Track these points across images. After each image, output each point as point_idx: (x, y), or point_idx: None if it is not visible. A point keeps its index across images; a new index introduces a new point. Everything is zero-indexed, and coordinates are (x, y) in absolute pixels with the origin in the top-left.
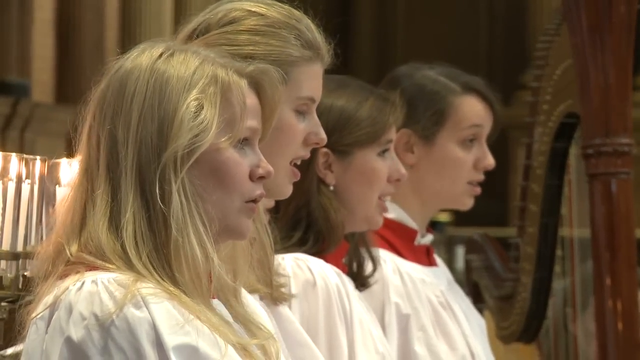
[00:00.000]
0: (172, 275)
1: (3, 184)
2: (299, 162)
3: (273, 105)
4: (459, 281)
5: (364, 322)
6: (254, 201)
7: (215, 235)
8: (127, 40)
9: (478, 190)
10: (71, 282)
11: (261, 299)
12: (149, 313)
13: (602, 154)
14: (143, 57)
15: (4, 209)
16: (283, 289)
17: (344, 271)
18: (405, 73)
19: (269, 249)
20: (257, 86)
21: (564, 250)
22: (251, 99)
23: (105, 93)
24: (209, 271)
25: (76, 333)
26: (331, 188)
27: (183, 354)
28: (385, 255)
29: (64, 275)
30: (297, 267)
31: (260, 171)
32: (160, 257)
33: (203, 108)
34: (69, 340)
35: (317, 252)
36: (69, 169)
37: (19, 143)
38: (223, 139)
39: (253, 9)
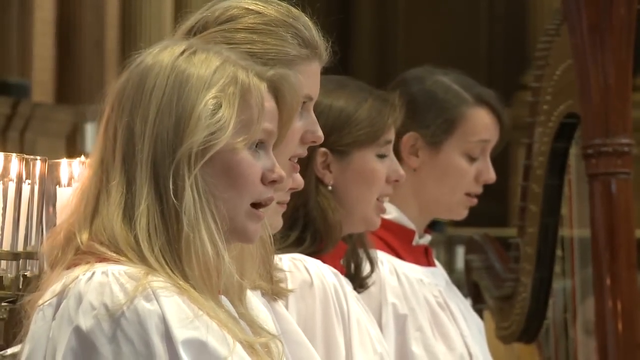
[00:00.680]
0: (182, 270)
1: (3, 184)
2: (296, 160)
3: (291, 111)
4: (459, 281)
5: (362, 322)
6: (262, 205)
7: (226, 234)
8: (127, 40)
9: (474, 201)
10: (81, 272)
11: (262, 295)
12: (159, 306)
13: (602, 154)
14: (165, 53)
15: (4, 209)
16: (282, 284)
17: (341, 272)
18: (418, 76)
19: (268, 245)
20: (276, 91)
21: (564, 251)
22: (269, 103)
23: (125, 86)
24: (218, 268)
25: (85, 322)
26: (329, 188)
27: (192, 348)
28: (382, 256)
29: (73, 265)
30: (294, 267)
31: (274, 175)
32: (172, 251)
33: (221, 107)
34: (77, 330)
35: (314, 252)
36: (69, 169)
37: (19, 143)
38: (239, 140)
39: (251, 7)
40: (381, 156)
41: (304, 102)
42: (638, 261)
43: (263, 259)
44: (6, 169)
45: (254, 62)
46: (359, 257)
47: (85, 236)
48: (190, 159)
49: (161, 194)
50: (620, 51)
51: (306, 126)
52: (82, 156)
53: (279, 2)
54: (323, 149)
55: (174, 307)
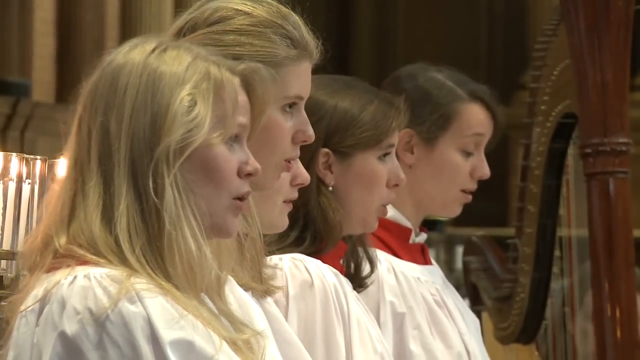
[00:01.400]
0: (164, 269)
1: (4, 183)
2: (291, 162)
3: (262, 104)
4: (458, 281)
5: (362, 322)
6: (241, 199)
7: (206, 230)
8: (127, 40)
9: (469, 198)
10: (62, 276)
11: (253, 295)
12: (144, 308)
13: (600, 153)
14: (135, 51)
15: (4, 208)
16: (271, 281)
17: (341, 272)
18: (412, 73)
19: (259, 244)
20: (247, 85)
21: (562, 251)
22: (242, 97)
23: (97, 86)
24: (201, 265)
25: (70, 327)
26: (330, 188)
27: (179, 349)
28: (379, 255)
29: (52, 268)
30: (294, 267)
31: (249, 168)
32: (154, 250)
33: (196, 104)
34: (62, 335)
35: (314, 252)
36: None
37: (19, 143)
38: (214, 135)
39: (239, 8)
40: (383, 159)
41: (294, 102)
42: (636, 260)
43: (253, 260)
44: (6, 168)
45: (223, 57)
46: (359, 256)
47: (63, 240)
48: (169, 157)
49: (140, 193)
50: (617, 51)
51: (297, 126)
52: None
53: (269, 1)
54: (325, 150)
55: (158, 308)
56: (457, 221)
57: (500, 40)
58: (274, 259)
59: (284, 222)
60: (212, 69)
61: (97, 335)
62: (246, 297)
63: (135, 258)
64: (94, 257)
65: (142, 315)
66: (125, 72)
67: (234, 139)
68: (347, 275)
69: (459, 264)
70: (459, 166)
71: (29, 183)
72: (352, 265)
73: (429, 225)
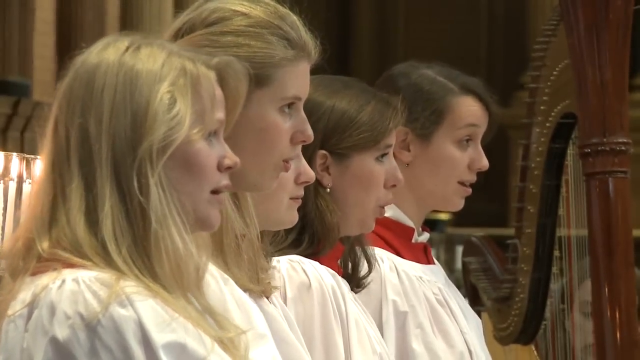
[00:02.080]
0: (152, 269)
1: (4, 183)
2: (289, 162)
3: (237, 97)
4: (459, 281)
5: (360, 323)
6: (219, 192)
7: (190, 226)
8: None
9: (469, 190)
10: (50, 280)
11: (250, 296)
12: (135, 311)
13: (599, 153)
14: (109, 50)
15: (5, 208)
16: (268, 281)
17: (339, 273)
18: (403, 72)
19: (256, 245)
20: (221, 79)
21: (562, 251)
22: (218, 91)
23: (72, 86)
24: (188, 262)
25: (61, 333)
26: (327, 190)
27: (172, 352)
28: (382, 254)
29: (38, 272)
30: (291, 269)
31: (228, 162)
32: (140, 250)
33: (176, 101)
34: (54, 340)
35: (312, 254)
36: None
37: (19, 143)
38: (194, 131)
39: (237, 8)
40: (381, 160)
41: (292, 103)
42: (635, 260)
43: (251, 261)
44: (7, 168)
45: (196, 51)
46: (356, 256)
47: (45, 244)
48: (152, 156)
49: (124, 194)
50: (617, 50)
51: (296, 126)
52: None
53: (266, 1)
54: (323, 151)
55: (149, 311)
56: (457, 221)
57: (500, 40)
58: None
59: (293, 218)
60: (188, 64)
61: (89, 340)
62: (245, 298)
63: (122, 259)
64: (80, 259)
65: (134, 319)
66: (101, 71)
67: (213, 134)
68: (345, 275)
69: (458, 264)
70: (456, 159)
71: (29, 183)
72: (350, 265)
73: (428, 225)
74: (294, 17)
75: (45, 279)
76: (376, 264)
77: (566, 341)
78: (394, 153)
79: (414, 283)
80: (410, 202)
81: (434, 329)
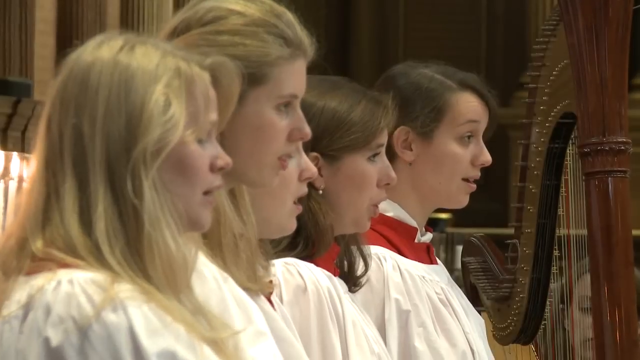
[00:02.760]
0: (145, 271)
1: (5, 183)
2: (286, 159)
3: (229, 96)
4: (459, 281)
5: (357, 324)
6: (210, 192)
7: (183, 227)
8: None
9: (473, 187)
10: (45, 281)
11: (248, 294)
12: (128, 318)
13: (599, 152)
14: (103, 49)
15: (5, 208)
16: (266, 280)
17: (335, 274)
18: (401, 72)
19: (254, 244)
20: (213, 78)
21: (562, 251)
22: (211, 92)
23: (66, 85)
24: (180, 264)
25: (54, 336)
26: (320, 192)
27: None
28: (385, 253)
29: (32, 272)
30: (287, 272)
31: (220, 162)
32: (133, 252)
33: (171, 103)
34: (47, 343)
35: (307, 257)
36: None
37: (20, 142)
38: (188, 133)
39: (233, 7)
40: (373, 160)
41: (288, 101)
42: (635, 259)
43: (249, 260)
44: (7, 168)
45: (189, 51)
46: (352, 255)
47: (39, 243)
48: (146, 158)
49: (118, 195)
50: (616, 50)
51: (293, 124)
52: None
53: None
54: (314, 154)
55: (142, 318)
56: (457, 221)
57: (500, 40)
58: None
59: (292, 225)
60: (182, 64)
61: (80, 344)
62: (244, 297)
63: (116, 261)
64: (75, 259)
65: (125, 325)
66: (95, 70)
67: (206, 135)
68: (342, 275)
69: (458, 264)
70: (458, 155)
71: None
72: (346, 264)
73: (428, 224)
74: (289, 15)
75: (40, 280)
76: (378, 262)
77: (566, 340)
78: (396, 153)
79: (416, 282)
80: (414, 202)
81: (437, 328)
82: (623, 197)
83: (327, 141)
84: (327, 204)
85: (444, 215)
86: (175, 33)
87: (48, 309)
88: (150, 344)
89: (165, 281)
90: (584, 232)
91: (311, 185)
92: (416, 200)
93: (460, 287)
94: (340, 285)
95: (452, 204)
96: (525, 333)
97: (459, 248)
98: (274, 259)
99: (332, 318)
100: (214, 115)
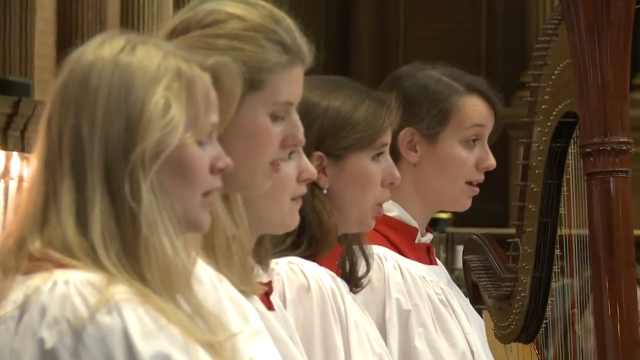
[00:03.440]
0: (140, 273)
1: (5, 182)
2: (279, 163)
3: (231, 97)
4: (459, 280)
5: (360, 324)
6: (210, 193)
7: (180, 230)
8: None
9: (476, 190)
10: (41, 282)
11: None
12: (122, 320)
13: (600, 152)
14: (104, 49)
15: (5, 207)
16: (256, 281)
17: (337, 274)
18: (408, 73)
19: (245, 245)
20: (215, 79)
21: (564, 250)
22: (212, 93)
23: (67, 84)
24: (177, 267)
25: (49, 337)
26: (324, 191)
27: None
28: (385, 253)
29: (30, 272)
30: (290, 271)
31: (220, 164)
32: (129, 255)
33: (171, 106)
34: (41, 344)
35: (311, 256)
36: None
37: (20, 142)
38: (188, 135)
39: (232, 11)
40: (377, 159)
41: (284, 109)
42: (636, 259)
43: (242, 262)
44: (7, 167)
45: (191, 51)
46: (354, 255)
47: (37, 243)
48: (145, 162)
49: (115, 198)
50: (618, 50)
51: (287, 130)
52: None
53: (263, 3)
54: (318, 153)
55: (136, 320)
56: (458, 220)
57: (500, 40)
58: (270, 263)
59: (295, 221)
60: (183, 65)
61: (73, 345)
62: (239, 297)
63: (112, 263)
64: (72, 260)
65: (120, 328)
66: (96, 71)
67: (206, 136)
68: (344, 275)
69: (459, 264)
70: (463, 159)
71: None
72: (348, 264)
73: (429, 224)
74: (289, 21)
75: (37, 280)
76: (379, 262)
77: (567, 340)
78: (401, 154)
79: (417, 282)
80: (416, 203)
81: (437, 328)
82: (625, 197)
83: (331, 140)
84: (331, 203)
85: (444, 215)
86: (174, 34)
87: (43, 310)
88: (144, 347)
89: (161, 284)
90: (586, 231)
91: (315, 185)
92: (418, 201)
93: (460, 286)
94: (343, 285)
95: (454, 207)
96: (526, 332)
97: (460, 248)
98: (276, 258)
99: (334, 317)
100: (214, 117)
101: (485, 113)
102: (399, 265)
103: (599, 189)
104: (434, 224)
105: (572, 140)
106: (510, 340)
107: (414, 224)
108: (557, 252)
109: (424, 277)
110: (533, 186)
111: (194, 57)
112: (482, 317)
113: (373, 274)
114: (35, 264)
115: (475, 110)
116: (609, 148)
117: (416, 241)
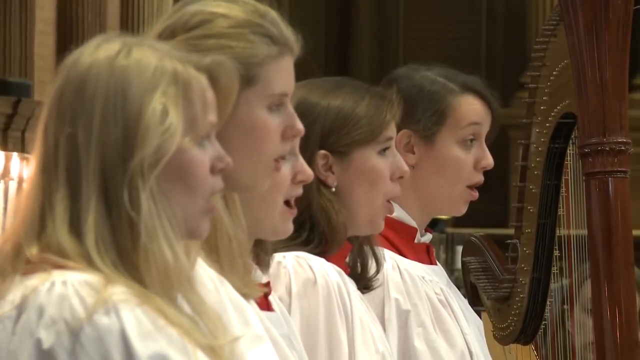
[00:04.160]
0: (139, 279)
1: (5, 183)
2: (279, 161)
3: (228, 95)
4: (459, 281)
5: (365, 321)
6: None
7: (180, 237)
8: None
9: (476, 195)
10: (39, 282)
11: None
12: (120, 321)
13: (599, 153)
14: (100, 53)
15: (5, 208)
16: (255, 283)
17: (345, 272)
18: (403, 74)
19: (245, 246)
20: (212, 79)
21: (562, 251)
22: (209, 93)
23: (63, 91)
24: (177, 272)
25: (46, 337)
26: (333, 190)
27: None
28: (385, 252)
29: (28, 272)
30: (297, 265)
31: (220, 164)
32: (126, 262)
33: (168, 112)
34: (38, 344)
35: (320, 253)
36: None
37: (20, 143)
38: (186, 139)
39: (216, 10)
40: (383, 153)
41: (279, 100)
42: (635, 260)
43: (244, 265)
44: (7, 168)
45: (187, 51)
46: (365, 255)
47: (34, 250)
48: (144, 169)
49: (111, 206)
50: (617, 50)
51: (285, 122)
52: None
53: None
54: (323, 152)
55: (134, 321)
56: (457, 221)
57: (500, 40)
58: (277, 257)
59: (287, 228)
60: (179, 68)
61: (71, 346)
62: (241, 300)
63: (109, 269)
64: (69, 262)
65: (117, 328)
66: (92, 77)
67: (205, 137)
68: (353, 275)
69: (458, 264)
70: (460, 159)
71: None
72: (359, 265)
73: (428, 225)
74: (273, 13)
75: (35, 280)
76: None
77: (566, 340)
78: None
79: (416, 282)
80: (414, 204)
81: (436, 328)
82: (623, 198)
83: (335, 138)
84: (339, 202)
85: (443, 216)
86: (161, 39)
87: (41, 310)
88: (142, 347)
89: (161, 290)
90: (584, 232)
91: (322, 184)
92: (417, 203)
93: (460, 287)
94: (350, 282)
95: (451, 210)
96: (525, 333)
97: (459, 248)
98: (285, 251)
99: (340, 313)
100: (212, 117)
101: (482, 111)
102: (397, 265)
103: (598, 189)
104: (433, 225)
105: (570, 141)
106: (509, 342)
107: (413, 224)
108: (556, 253)
109: (423, 277)
110: (532, 187)
111: (189, 57)
112: (481, 318)
113: None
114: (34, 265)
115: (471, 109)
116: (607, 148)
117: (415, 241)
